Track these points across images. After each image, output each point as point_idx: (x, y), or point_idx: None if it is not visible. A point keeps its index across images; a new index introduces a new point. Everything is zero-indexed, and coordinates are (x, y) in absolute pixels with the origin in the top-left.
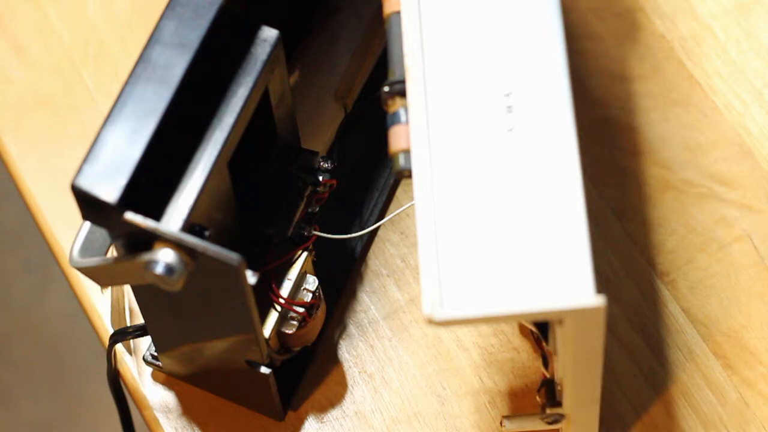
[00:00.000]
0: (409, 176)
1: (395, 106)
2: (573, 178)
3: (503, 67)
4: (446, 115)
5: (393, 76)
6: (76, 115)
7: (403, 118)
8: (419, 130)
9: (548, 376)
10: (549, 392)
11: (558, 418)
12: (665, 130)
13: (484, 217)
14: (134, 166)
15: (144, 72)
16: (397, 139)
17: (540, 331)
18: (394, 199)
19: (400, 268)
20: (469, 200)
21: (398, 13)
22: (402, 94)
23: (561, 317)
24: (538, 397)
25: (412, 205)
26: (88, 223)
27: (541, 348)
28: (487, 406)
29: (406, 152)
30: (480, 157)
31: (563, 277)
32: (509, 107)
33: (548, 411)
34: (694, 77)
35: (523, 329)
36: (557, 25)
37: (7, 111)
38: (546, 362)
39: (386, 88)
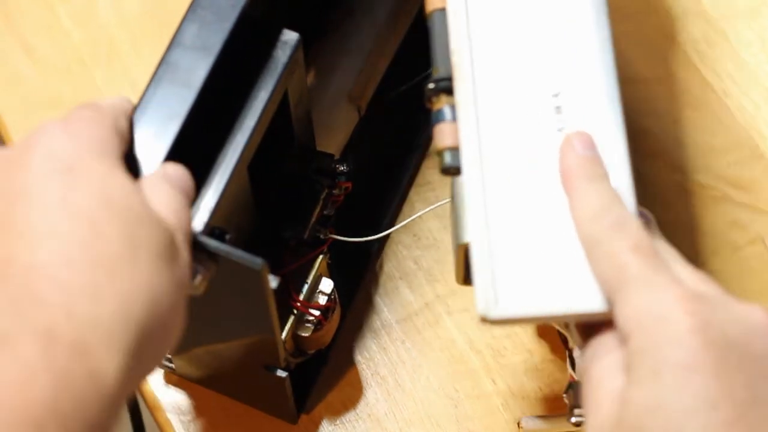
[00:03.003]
0: (455, 173)
1: (440, 103)
2: (623, 179)
3: (551, 67)
4: (495, 114)
5: (437, 73)
6: None
7: (447, 115)
8: (469, 129)
9: (576, 378)
10: (577, 394)
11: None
12: (678, 133)
13: (535, 217)
14: None
15: (166, 74)
16: (442, 137)
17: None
18: (408, 201)
19: (413, 270)
20: (520, 200)
21: (442, 10)
22: (447, 91)
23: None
24: (565, 399)
25: (427, 209)
26: None
27: (568, 350)
28: (501, 408)
29: (453, 149)
30: (530, 157)
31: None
32: (558, 107)
33: (576, 412)
34: (707, 80)
35: (542, 331)
36: (604, 24)
37: (16, 110)
38: (573, 364)
39: (431, 85)
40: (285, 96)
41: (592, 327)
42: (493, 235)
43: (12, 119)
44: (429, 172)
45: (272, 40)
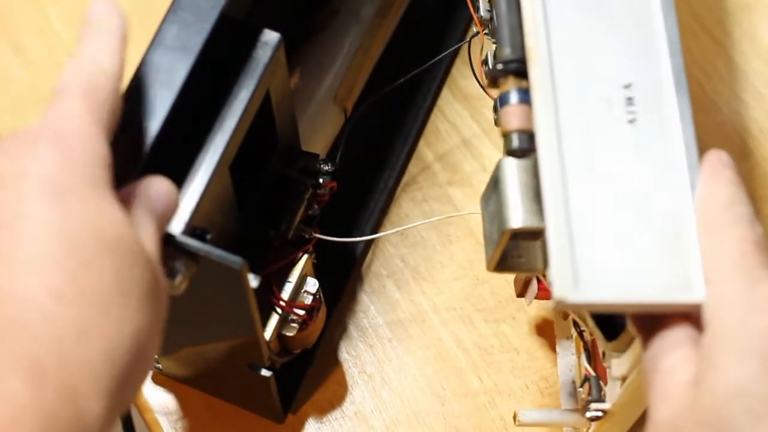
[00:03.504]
0: (521, 156)
1: (508, 85)
2: (684, 174)
3: (622, 58)
4: (570, 100)
5: (504, 55)
6: None
7: (514, 98)
8: (547, 113)
9: (592, 372)
10: (594, 388)
11: (600, 415)
12: None
13: (617, 205)
14: (137, 170)
15: (146, 75)
16: (509, 119)
17: (603, 330)
18: (395, 200)
19: (399, 268)
20: (596, 188)
21: None
22: (516, 73)
23: (690, 312)
24: (582, 392)
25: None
26: None
27: (584, 343)
28: (487, 406)
29: (520, 132)
30: (604, 146)
31: (689, 273)
32: (629, 99)
33: (593, 407)
34: (695, 77)
35: (539, 329)
36: (672, 17)
37: (7, 110)
38: (590, 358)
39: (500, 66)
40: (267, 96)
41: (653, 322)
42: (573, 218)
43: (2, 119)
44: (416, 170)
45: (253, 40)
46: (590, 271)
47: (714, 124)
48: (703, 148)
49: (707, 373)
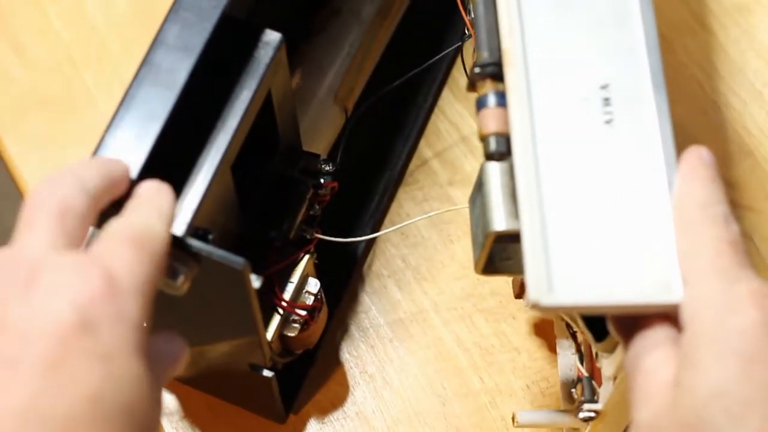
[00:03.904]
0: (499, 159)
1: (485, 88)
2: (662, 174)
3: (598, 58)
4: (546, 103)
5: (482, 59)
6: (76, 115)
7: (491, 101)
8: (522, 116)
9: (585, 373)
10: (587, 389)
11: (593, 415)
12: None
13: (592, 207)
14: (139, 171)
15: (148, 75)
16: (487, 122)
17: (592, 330)
18: (395, 199)
19: (401, 268)
20: (575, 188)
21: None
22: (493, 77)
23: (669, 312)
24: (575, 393)
25: (422, 217)
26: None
27: (576, 344)
28: (488, 406)
29: (498, 135)
30: (579, 147)
31: (667, 273)
32: (606, 99)
33: (586, 407)
34: (695, 77)
35: (538, 329)
36: (650, 16)
37: (7, 110)
38: (582, 359)
39: (477, 70)
40: (269, 96)
41: (633, 323)
42: (547, 221)
43: (2, 119)
44: (416, 170)
45: (255, 40)
46: (565, 273)
47: (713, 124)
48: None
49: (687, 374)
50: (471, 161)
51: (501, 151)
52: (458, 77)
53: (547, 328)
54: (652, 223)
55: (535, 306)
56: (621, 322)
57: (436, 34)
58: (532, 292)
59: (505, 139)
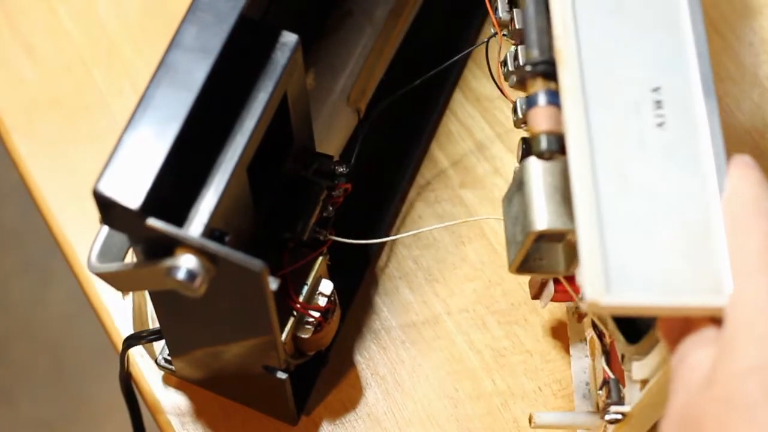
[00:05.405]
0: (549, 158)
1: (536, 87)
2: (713, 178)
3: (651, 61)
4: (598, 103)
5: (531, 57)
6: (87, 115)
7: (542, 99)
8: (577, 115)
9: (611, 375)
10: (614, 391)
11: (620, 417)
12: None
13: (642, 209)
14: (157, 172)
15: (165, 76)
16: (537, 121)
17: (624, 333)
18: (407, 201)
19: (412, 270)
20: (626, 191)
21: None
22: (544, 75)
23: (720, 315)
24: (602, 395)
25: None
26: (105, 228)
27: (602, 345)
28: (500, 408)
29: (549, 134)
30: (632, 149)
31: (719, 275)
32: (658, 102)
33: (613, 410)
34: None
35: (554, 331)
36: (700, 20)
37: (17, 111)
38: (608, 361)
39: (528, 68)
40: (284, 97)
41: (683, 325)
42: (604, 221)
43: (12, 119)
44: (429, 172)
45: (271, 41)
46: (622, 273)
47: (725, 126)
48: None
49: (724, 356)
50: (483, 164)
51: (552, 149)
52: (470, 79)
53: (559, 330)
54: (704, 225)
55: (593, 305)
56: (669, 323)
57: (449, 36)
58: (589, 291)
59: (555, 137)
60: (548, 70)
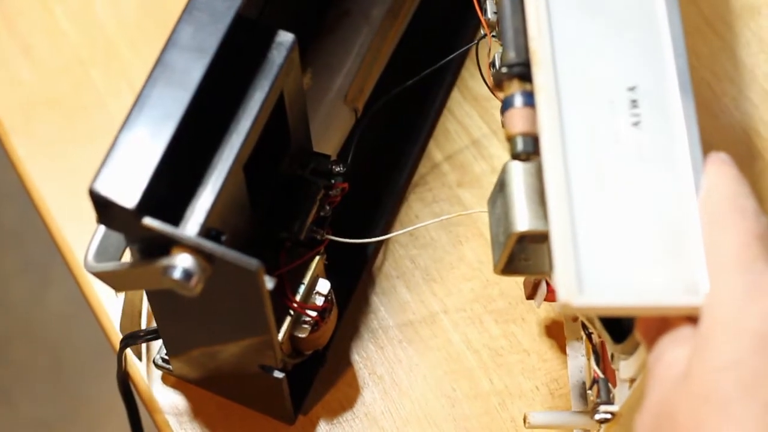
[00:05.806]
0: (526, 159)
1: (512, 88)
2: (689, 177)
3: (626, 60)
4: (575, 104)
5: (508, 58)
6: (85, 115)
7: (519, 101)
8: (551, 116)
9: (600, 375)
10: (603, 391)
11: (609, 417)
12: None
13: (616, 209)
14: (153, 172)
15: (162, 76)
16: (514, 122)
17: (611, 332)
18: (405, 200)
19: (409, 269)
20: (600, 191)
21: None
22: (520, 77)
23: (696, 315)
24: (591, 395)
25: (433, 221)
26: (102, 227)
27: (592, 345)
28: (498, 407)
29: (525, 135)
30: (607, 148)
31: (695, 275)
32: (634, 101)
33: (602, 409)
34: (704, 80)
35: (549, 330)
36: (677, 19)
37: (15, 111)
38: (598, 360)
39: (504, 70)
40: (281, 97)
41: (658, 324)
42: (577, 221)
43: (10, 120)
44: (426, 172)
45: (268, 41)
46: (595, 274)
47: (722, 126)
48: (711, 150)
49: (700, 353)
50: (480, 163)
51: (528, 151)
52: (467, 78)
53: (556, 329)
54: (680, 225)
55: (565, 307)
56: (646, 323)
57: (446, 35)
58: (563, 292)
59: (532, 139)
60: (524, 72)
